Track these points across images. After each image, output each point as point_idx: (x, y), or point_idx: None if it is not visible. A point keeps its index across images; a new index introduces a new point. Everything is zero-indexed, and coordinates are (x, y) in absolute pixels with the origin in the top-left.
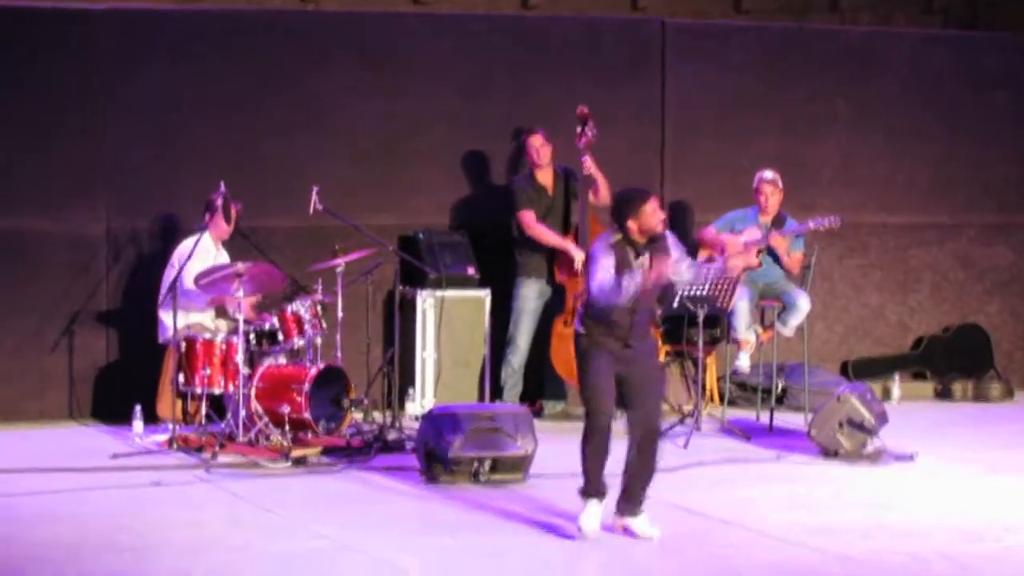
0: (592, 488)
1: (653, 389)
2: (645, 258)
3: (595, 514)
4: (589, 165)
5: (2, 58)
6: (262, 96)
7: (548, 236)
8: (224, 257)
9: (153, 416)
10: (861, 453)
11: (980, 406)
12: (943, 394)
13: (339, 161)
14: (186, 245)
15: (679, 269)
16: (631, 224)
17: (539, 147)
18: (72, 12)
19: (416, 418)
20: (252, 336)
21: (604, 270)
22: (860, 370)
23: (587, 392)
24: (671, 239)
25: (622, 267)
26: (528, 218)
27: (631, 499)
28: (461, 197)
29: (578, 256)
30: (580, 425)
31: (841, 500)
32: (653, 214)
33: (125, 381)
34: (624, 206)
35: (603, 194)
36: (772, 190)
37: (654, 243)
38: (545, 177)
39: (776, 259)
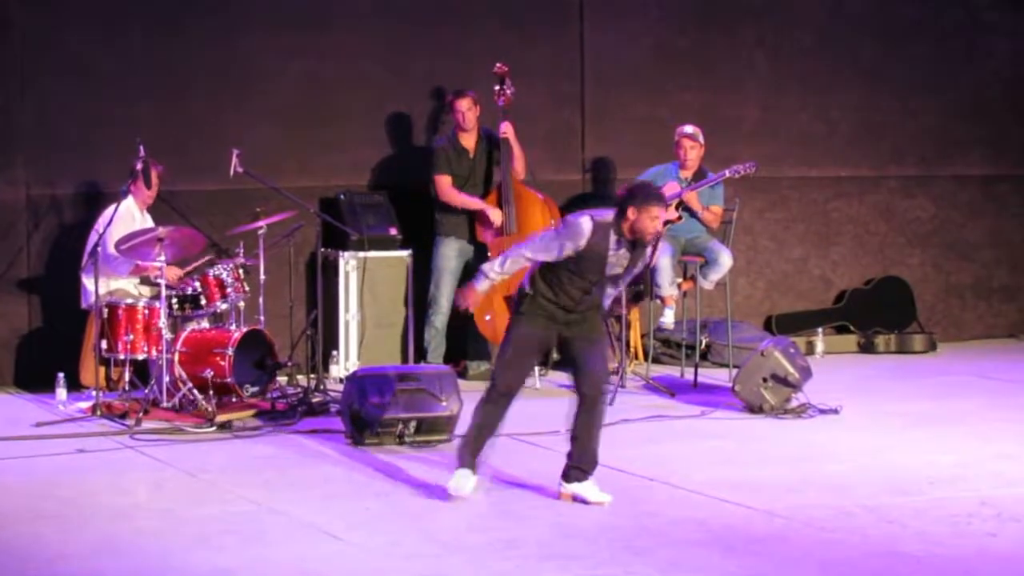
0: (466, 456)
1: (597, 351)
2: (623, 254)
3: (466, 478)
4: (505, 130)
5: None
6: (184, 58)
7: (464, 201)
8: (149, 223)
9: (76, 383)
10: (785, 408)
11: (903, 359)
12: (866, 347)
13: (260, 123)
14: (110, 211)
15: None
16: (630, 213)
17: (466, 110)
18: None
19: (340, 380)
20: (175, 301)
21: (548, 244)
22: (783, 325)
23: (502, 357)
24: (648, 253)
25: (593, 249)
26: (443, 183)
27: (579, 465)
28: (382, 158)
29: (496, 217)
30: None
31: (766, 455)
32: (654, 219)
33: (48, 349)
34: (635, 193)
35: (518, 167)
36: (692, 144)
37: (636, 247)
38: (468, 139)
39: (693, 214)
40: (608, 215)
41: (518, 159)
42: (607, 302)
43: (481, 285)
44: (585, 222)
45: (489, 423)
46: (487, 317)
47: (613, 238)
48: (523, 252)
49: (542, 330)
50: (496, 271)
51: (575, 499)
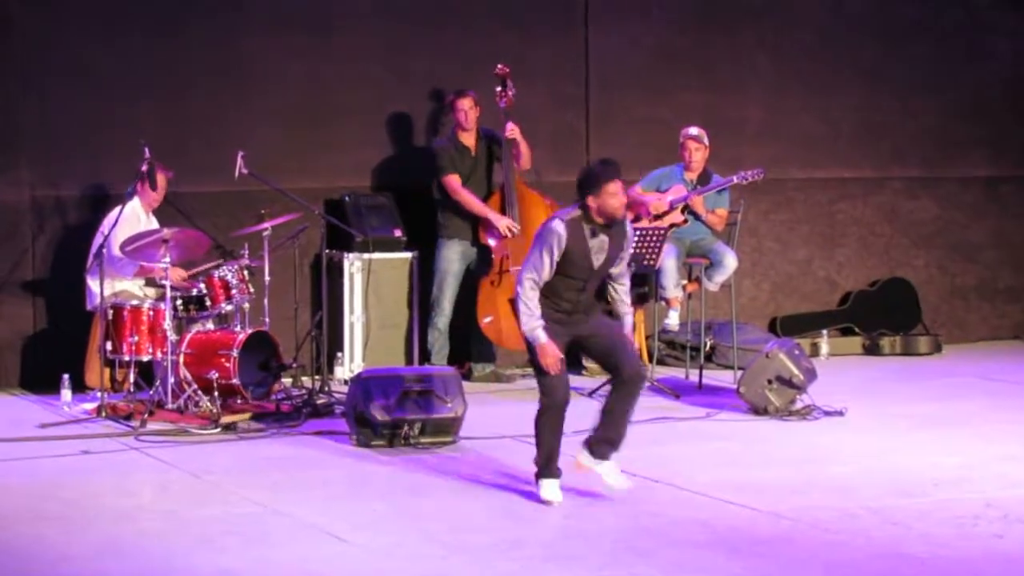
0: (548, 469)
1: (618, 337)
2: (602, 239)
3: (554, 487)
4: (511, 129)
5: None
6: (185, 59)
7: (473, 203)
8: (154, 225)
9: (81, 385)
10: (790, 410)
11: (908, 360)
12: (871, 349)
13: (264, 125)
14: (115, 212)
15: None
16: (591, 202)
17: (468, 110)
18: None
19: (345, 382)
20: (180, 302)
21: (539, 260)
22: (788, 327)
23: (548, 374)
24: (629, 230)
25: (573, 246)
26: (453, 183)
27: (603, 441)
28: (385, 159)
29: (502, 223)
30: (509, 387)
31: (770, 457)
32: (613, 196)
33: (53, 350)
34: (585, 181)
35: (525, 160)
36: (696, 146)
37: (612, 227)
38: (468, 139)
39: (698, 217)
40: (574, 211)
41: (525, 155)
42: (625, 297)
43: (543, 337)
44: (556, 224)
45: (553, 434)
46: (488, 319)
47: (586, 228)
48: (528, 286)
49: (560, 335)
50: (531, 315)
51: (589, 474)
